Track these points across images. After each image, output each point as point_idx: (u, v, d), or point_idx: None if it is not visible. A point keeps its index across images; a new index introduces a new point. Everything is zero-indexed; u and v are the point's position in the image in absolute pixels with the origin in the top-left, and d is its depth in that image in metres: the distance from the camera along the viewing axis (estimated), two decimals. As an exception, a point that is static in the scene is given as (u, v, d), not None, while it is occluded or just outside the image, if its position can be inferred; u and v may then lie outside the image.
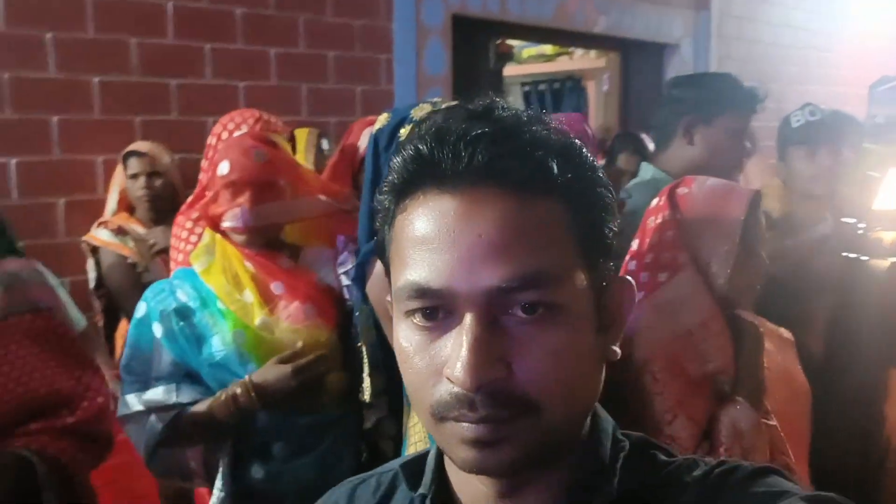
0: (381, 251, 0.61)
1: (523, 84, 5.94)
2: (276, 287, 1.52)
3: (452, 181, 0.54)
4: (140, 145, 2.60)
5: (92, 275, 2.50)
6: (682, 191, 1.32)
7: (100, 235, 2.64)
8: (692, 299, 1.23)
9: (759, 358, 1.25)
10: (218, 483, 1.55)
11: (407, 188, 0.57)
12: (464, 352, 0.52)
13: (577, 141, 0.59)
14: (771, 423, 1.21)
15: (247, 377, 1.45)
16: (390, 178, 0.58)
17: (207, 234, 1.57)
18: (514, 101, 5.59)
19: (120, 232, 2.41)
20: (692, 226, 1.28)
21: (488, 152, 0.53)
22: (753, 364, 1.24)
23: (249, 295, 1.50)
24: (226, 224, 1.52)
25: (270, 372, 1.45)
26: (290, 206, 1.56)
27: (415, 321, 0.55)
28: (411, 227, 0.55)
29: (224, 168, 1.50)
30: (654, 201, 1.36)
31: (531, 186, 0.54)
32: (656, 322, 1.24)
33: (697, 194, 1.31)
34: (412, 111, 1.71)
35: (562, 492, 0.59)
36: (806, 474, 1.36)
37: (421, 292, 0.54)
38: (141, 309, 1.53)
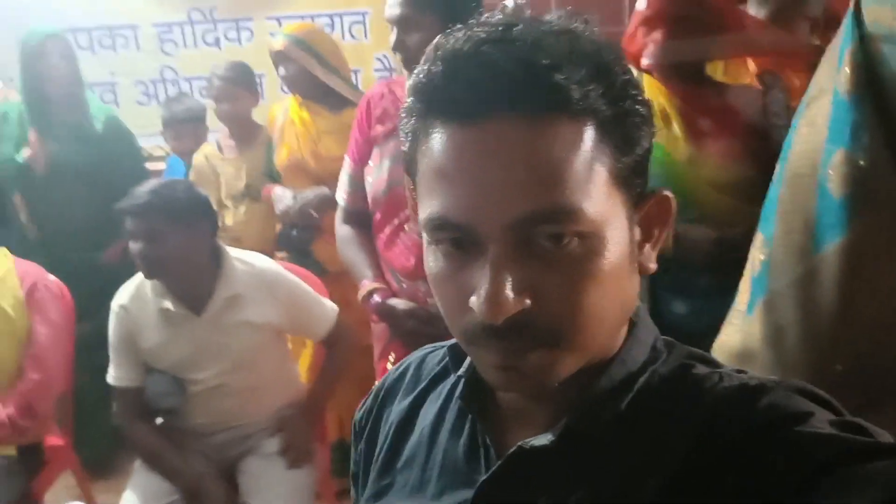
0: (409, 172, 0.60)
1: None
2: (704, 123, 1.55)
3: (468, 112, 0.52)
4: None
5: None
6: None
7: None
8: None
9: None
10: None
11: (426, 116, 0.56)
12: (486, 285, 0.52)
13: (609, 52, 0.55)
14: None
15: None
16: (410, 100, 0.57)
17: (632, 68, 1.65)
18: None
19: None
20: None
21: (504, 80, 0.51)
22: None
23: (676, 129, 1.55)
24: (643, 62, 1.57)
25: (693, 228, 1.50)
26: (709, 43, 1.52)
27: (442, 249, 0.56)
28: (432, 159, 0.55)
29: (641, 3, 1.54)
30: None
31: (551, 112, 0.52)
32: None
33: None
34: None
35: (580, 400, 0.60)
36: None
37: (443, 225, 0.54)
38: None
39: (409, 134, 0.58)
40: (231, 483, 1.96)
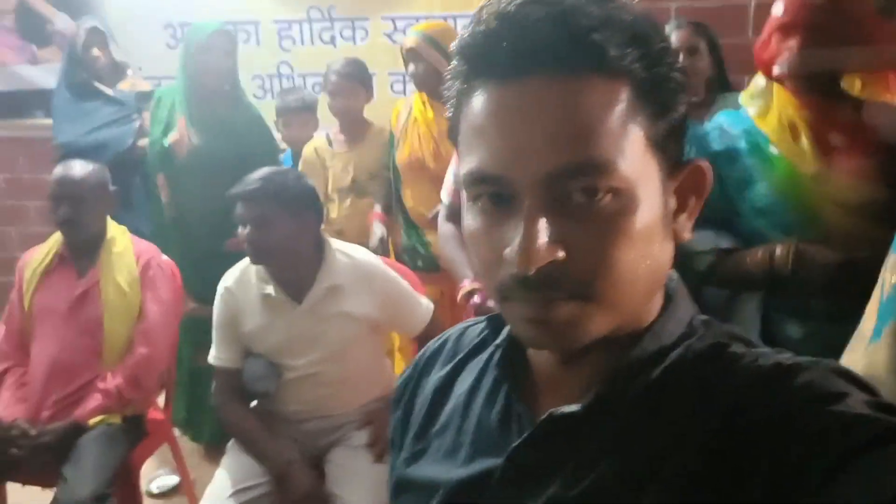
0: (452, 136, 0.62)
1: None
2: (834, 139, 1.45)
3: (507, 70, 0.54)
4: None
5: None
6: None
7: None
8: None
9: None
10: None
11: (469, 78, 0.58)
12: (520, 236, 0.53)
13: (647, 22, 0.56)
14: None
15: (794, 241, 1.44)
16: (454, 64, 0.59)
17: (760, 77, 1.57)
18: None
19: None
20: None
21: (542, 39, 0.53)
22: None
23: (805, 143, 1.47)
24: (774, 70, 1.49)
25: (815, 248, 1.42)
26: (847, 54, 1.43)
27: (480, 206, 0.58)
28: (472, 117, 0.57)
29: (777, 8, 1.46)
30: None
31: (588, 71, 0.53)
32: None
33: None
34: None
35: (611, 370, 0.60)
36: None
37: (480, 179, 0.56)
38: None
39: (454, 98, 0.60)
40: (318, 471, 1.98)
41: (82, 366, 2.19)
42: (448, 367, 0.77)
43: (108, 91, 3.23)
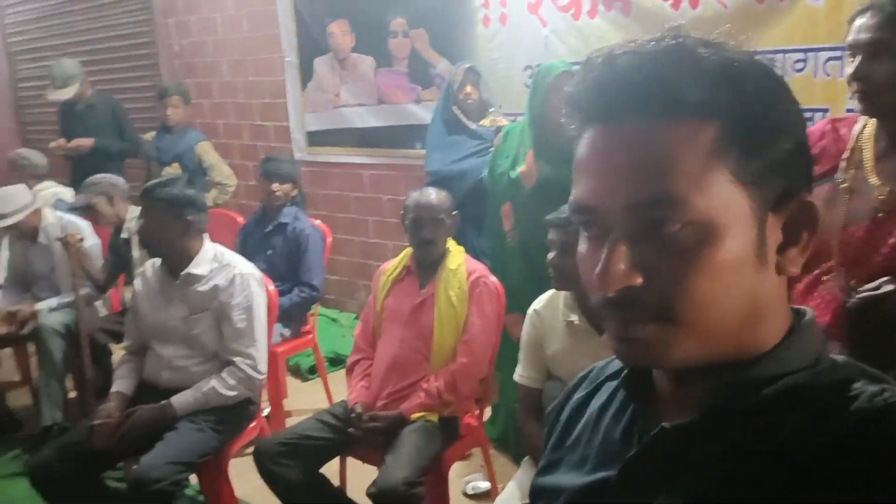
0: None
1: None
2: None
3: (606, 116, 0.62)
4: None
5: None
6: None
7: None
8: None
9: None
10: None
11: (579, 122, 0.65)
12: (602, 261, 0.60)
13: (749, 64, 0.60)
14: None
15: None
16: (567, 115, 0.66)
17: None
18: None
19: None
20: None
21: (631, 86, 0.59)
22: None
23: None
24: None
25: None
26: None
27: (584, 234, 0.65)
28: (579, 155, 0.65)
29: None
30: None
31: (672, 113, 0.59)
32: None
33: None
34: None
35: (724, 388, 0.62)
36: None
37: (577, 209, 0.64)
38: None
39: (574, 140, 0.67)
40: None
41: (414, 366, 2.49)
42: (588, 389, 0.84)
43: (472, 125, 3.60)
